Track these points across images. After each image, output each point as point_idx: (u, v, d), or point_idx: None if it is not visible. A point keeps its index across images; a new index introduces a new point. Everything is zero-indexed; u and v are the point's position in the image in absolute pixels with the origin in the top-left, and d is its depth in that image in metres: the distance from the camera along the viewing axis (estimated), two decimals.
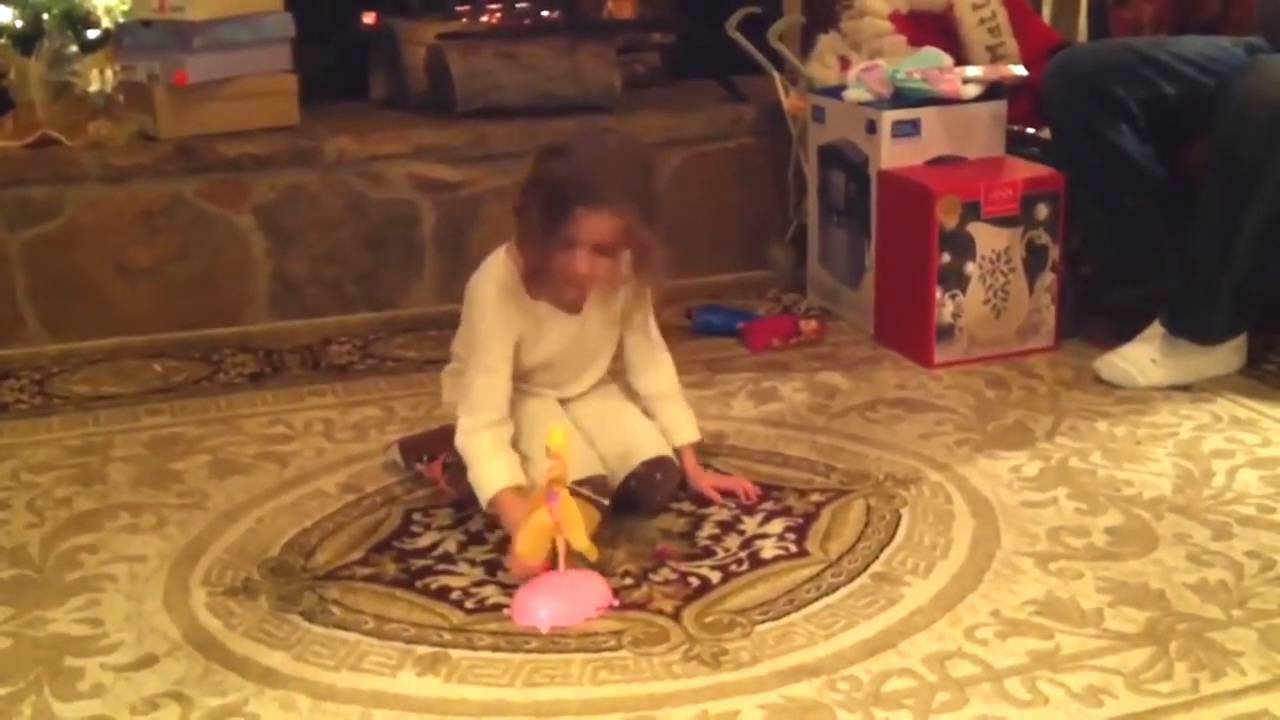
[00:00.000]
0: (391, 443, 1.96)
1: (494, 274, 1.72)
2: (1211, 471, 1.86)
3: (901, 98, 2.40)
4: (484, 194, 2.69)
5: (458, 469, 1.79)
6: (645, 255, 1.70)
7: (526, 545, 1.55)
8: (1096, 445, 1.95)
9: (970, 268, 2.27)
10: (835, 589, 1.57)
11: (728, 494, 1.81)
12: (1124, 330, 2.25)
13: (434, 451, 1.85)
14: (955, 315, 2.28)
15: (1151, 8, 2.52)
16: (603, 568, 1.60)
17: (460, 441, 1.69)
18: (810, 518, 1.75)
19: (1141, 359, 2.16)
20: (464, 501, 1.78)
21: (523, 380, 1.77)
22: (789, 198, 2.81)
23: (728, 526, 1.74)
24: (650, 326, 1.85)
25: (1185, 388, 2.14)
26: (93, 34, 2.74)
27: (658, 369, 1.86)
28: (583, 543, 1.54)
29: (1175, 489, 1.81)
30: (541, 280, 1.70)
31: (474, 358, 1.72)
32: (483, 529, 1.73)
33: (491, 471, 1.66)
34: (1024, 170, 2.35)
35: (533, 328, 1.73)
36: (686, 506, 1.79)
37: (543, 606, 1.51)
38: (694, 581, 1.60)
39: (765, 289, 2.75)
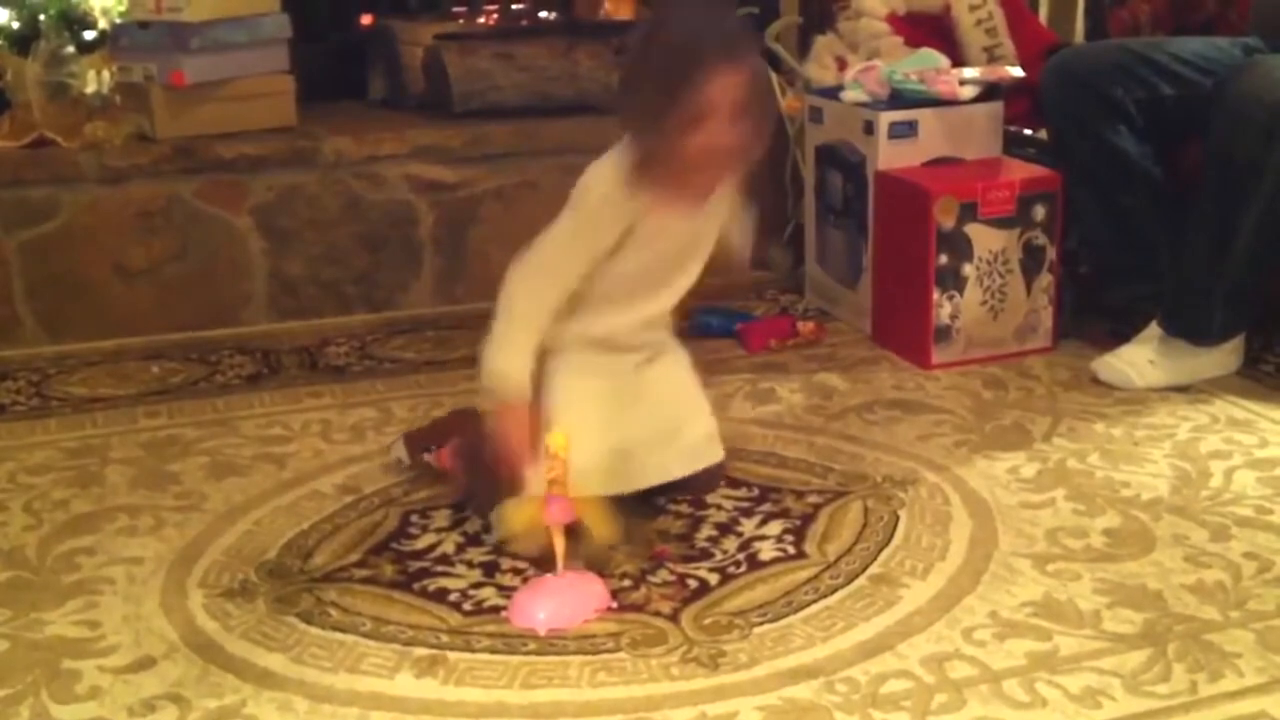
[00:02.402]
0: (394, 440, 1.95)
1: (615, 165, 1.61)
2: (1209, 472, 1.86)
3: (899, 99, 2.40)
4: (482, 194, 2.69)
5: (468, 453, 1.75)
6: (764, 115, 1.58)
7: (519, 538, 1.56)
8: (1094, 446, 1.96)
9: (968, 269, 2.27)
10: (833, 591, 1.57)
11: None
12: (1121, 331, 2.25)
13: (440, 441, 1.83)
14: (953, 316, 2.28)
15: (1149, 8, 2.53)
16: (600, 569, 1.60)
17: (515, 296, 1.61)
18: (808, 519, 1.75)
19: (1139, 360, 2.17)
20: (470, 494, 1.77)
21: (614, 288, 1.67)
22: (786, 198, 2.81)
23: (726, 528, 1.74)
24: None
25: (1183, 389, 2.14)
26: (89, 35, 2.74)
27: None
28: (603, 530, 1.55)
29: (1173, 490, 1.81)
30: (671, 173, 1.58)
31: (542, 252, 1.60)
32: (480, 531, 1.73)
33: (514, 365, 1.60)
34: (1021, 171, 2.35)
35: (642, 228, 1.62)
36: (685, 509, 1.79)
37: (541, 608, 1.51)
38: (692, 583, 1.60)
39: (763, 290, 2.75)
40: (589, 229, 1.62)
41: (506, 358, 1.61)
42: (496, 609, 1.55)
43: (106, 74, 2.66)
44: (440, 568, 1.65)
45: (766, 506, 1.79)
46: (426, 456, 1.87)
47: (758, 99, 1.56)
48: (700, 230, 1.70)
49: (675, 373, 1.80)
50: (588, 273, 1.64)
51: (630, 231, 1.63)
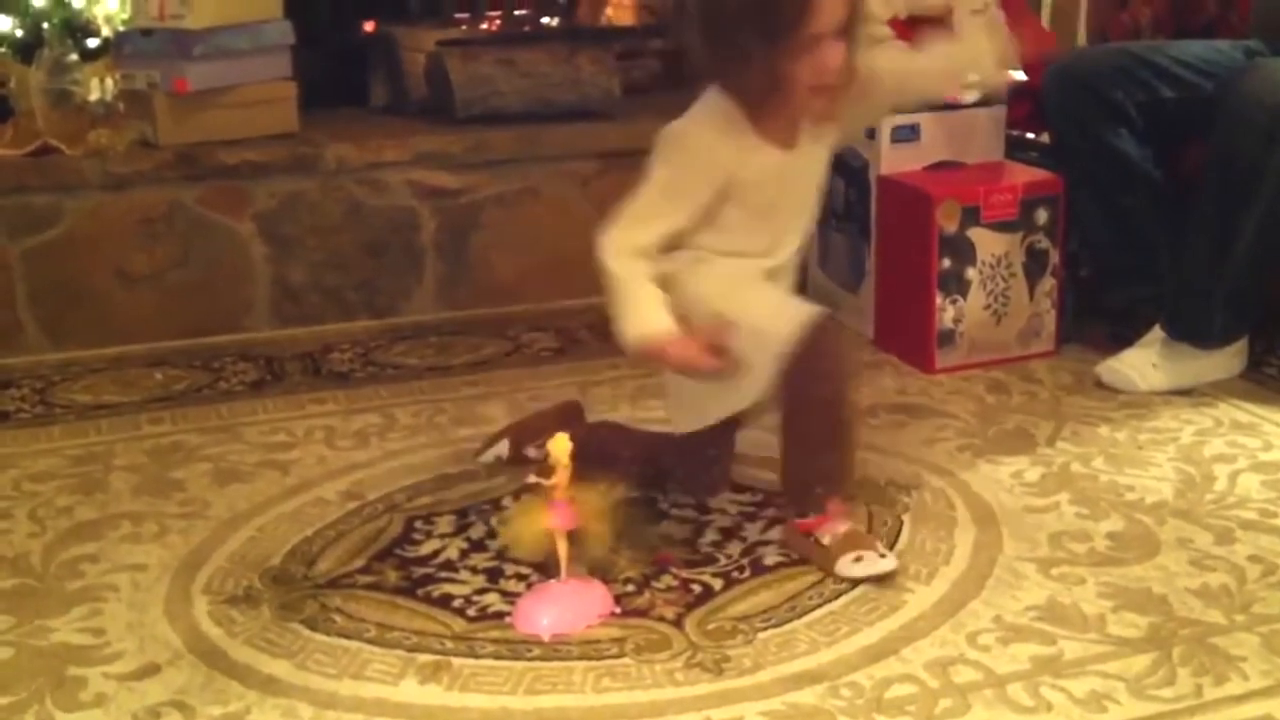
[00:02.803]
0: (493, 437, 1.92)
1: (704, 113, 1.58)
2: (1213, 476, 1.86)
3: None
4: (484, 200, 2.69)
5: (593, 448, 1.64)
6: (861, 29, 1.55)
7: (522, 544, 1.56)
8: (1098, 450, 1.95)
9: (970, 273, 2.27)
10: (837, 595, 1.57)
11: None
12: (1123, 334, 2.25)
13: (545, 436, 1.71)
14: (956, 320, 2.28)
15: (1150, 11, 2.53)
16: (604, 575, 1.60)
17: (605, 260, 1.56)
18: None
19: (1142, 363, 2.16)
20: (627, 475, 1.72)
21: (725, 241, 1.63)
22: None
23: (729, 533, 1.74)
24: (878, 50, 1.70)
25: (1186, 392, 2.14)
26: (93, 42, 2.74)
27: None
28: (604, 532, 1.55)
29: (1177, 494, 1.81)
30: (774, 107, 1.55)
31: (630, 207, 1.57)
32: (485, 537, 1.74)
33: (649, 314, 1.54)
34: (1023, 174, 2.35)
35: (742, 172, 1.59)
36: (689, 513, 1.79)
37: (544, 614, 1.51)
38: (696, 588, 1.60)
39: None
40: (681, 179, 1.59)
41: (636, 323, 1.55)
42: (500, 615, 1.55)
43: (110, 81, 2.67)
44: (444, 574, 1.65)
45: (770, 511, 1.79)
46: (531, 451, 1.83)
47: (856, 12, 1.53)
48: (803, 171, 1.66)
49: None
50: (688, 226, 1.60)
51: (730, 183, 1.59)
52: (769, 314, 1.60)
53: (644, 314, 1.55)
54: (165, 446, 2.06)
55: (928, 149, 2.38)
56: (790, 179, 1.65)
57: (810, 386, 1.58)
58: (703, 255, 1.64)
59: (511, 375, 2.34)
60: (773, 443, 1.68)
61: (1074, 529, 1.72)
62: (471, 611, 1.56)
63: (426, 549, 1.72)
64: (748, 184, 1.61)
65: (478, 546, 1.71)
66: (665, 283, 1.59)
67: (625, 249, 1.57)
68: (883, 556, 1.60)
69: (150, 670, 1.45)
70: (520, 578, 1.62)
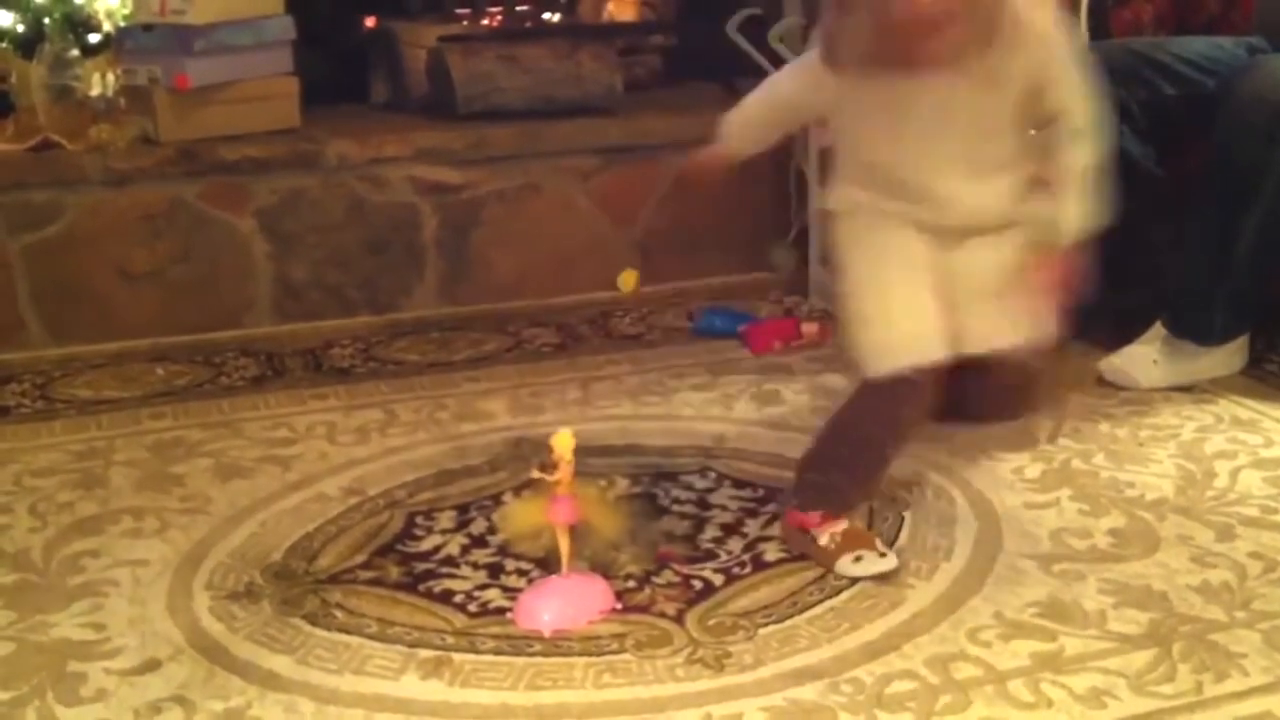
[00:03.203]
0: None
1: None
2: (1214, 473, 1.86)
3: None
4: (485, 196, 2.70)
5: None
6: None
7: (521, 537, 1.57)
8: (1099, 447, 1.95)
9: None
10: (838, 591, 1.57)
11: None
12: (1125, 332, 2.25)
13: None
14: None
15: (1152, 8, 2.53)
16: (605, 571, 1.60)
17: None
18: None
19: (1143, 360, 2.16)
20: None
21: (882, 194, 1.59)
22: (791, 199, 2.81)
23: (730, 529, 1.74)
24: (1066, 76, 1.53)
25: (1187, 389, 2.14)
26: (94, 38, 2.74)
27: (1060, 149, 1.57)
28: (608, 529, 1.56)
29: (1178, 490, 1.81)
30: (877, 48, 1.47)
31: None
32: (486, 532, 1.74)
33: (731, 117, 1.75)
34: None
35: (838, 99, 1.59)
36: (690, 509, 1.79)
37: (545, 610, 1.51)
38: (697, 584, 1.60)
39: (767, 291, 2.75)
40: (806, 64, 1.64)
41: (732, 111, 1.75)
42: (501, 610, 1.55)
43: (111, 77, 2.67)
44: (445, 569, 1.65)
45: (771, 507, 1.79)
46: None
47: None
48: (907, 114, 1.54)
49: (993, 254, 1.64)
50: (797, 103, 1.73)
51: (831, 100, 1.62)
52: (878, 326, 1.61)
53: (731, 117, 1.75)
54: (166, 442, 2.06)
55: None
56: (925, 119, 1.54)
57: (856, 419, 1.65)
58: (874, 207, 1.62)
59: (512, 371, 2.34)
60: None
61: (1075, 525, 1.72)
62: (472, 607, 1.56)
63: (427, 544, 1.72)
64: (843, 112, 1.65)
65: (479, 542, 1.71)
66: (843, 220, 1.67)
67: (771, 81, 1.75)
68: (882, 555, 1.61)
69: (151, 665, 1.45)
70: (521, 573, 1.62)
